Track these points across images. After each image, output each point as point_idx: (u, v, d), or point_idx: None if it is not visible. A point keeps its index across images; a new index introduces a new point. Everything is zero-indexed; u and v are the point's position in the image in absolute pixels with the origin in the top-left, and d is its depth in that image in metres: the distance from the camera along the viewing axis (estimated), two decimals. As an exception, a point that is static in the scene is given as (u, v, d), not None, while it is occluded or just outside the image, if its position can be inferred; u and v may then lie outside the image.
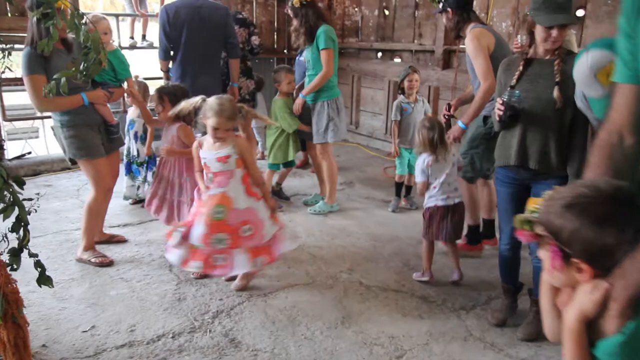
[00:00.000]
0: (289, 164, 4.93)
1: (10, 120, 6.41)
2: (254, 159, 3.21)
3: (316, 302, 3.21)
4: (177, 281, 3.41)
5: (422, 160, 3.42)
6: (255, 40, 5.53)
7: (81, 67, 2.41)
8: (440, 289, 3.39)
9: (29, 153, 6.06)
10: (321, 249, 3.98)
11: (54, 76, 2.45)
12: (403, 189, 4.86)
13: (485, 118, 3.60)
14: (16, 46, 3.78)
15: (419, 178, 3.45)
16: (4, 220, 2.13)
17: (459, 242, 3.79)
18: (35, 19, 3.12)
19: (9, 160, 5.82)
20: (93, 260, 3.60)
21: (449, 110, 3.92)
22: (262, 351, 2.70)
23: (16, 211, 2.15)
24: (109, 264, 3.62)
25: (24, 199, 2.24)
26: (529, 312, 2.94)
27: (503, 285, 3.09)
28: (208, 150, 3.04)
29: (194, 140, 3.26)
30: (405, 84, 4.63)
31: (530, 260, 2.90)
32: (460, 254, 3.65)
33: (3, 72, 3.79)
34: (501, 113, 2.68)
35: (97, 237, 3.91)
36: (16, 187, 2.17)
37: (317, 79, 4.44)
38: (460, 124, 3.63)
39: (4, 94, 6.26)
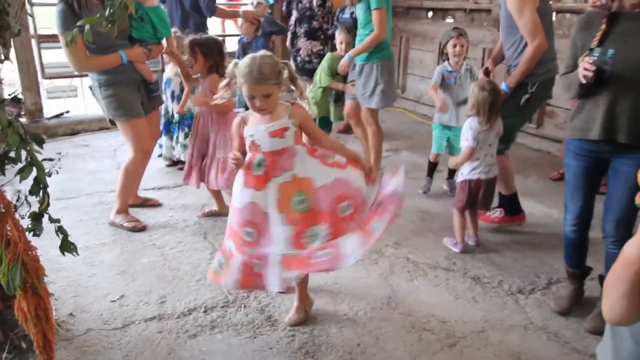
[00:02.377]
0: (322, 126, 4.58)
1: (50, 78, 6.30)
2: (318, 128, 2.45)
3: (360, 278, 2.96)
4: (212, 250, 3.21)
5: (474, 124, 3.09)
6: None
7: (107, 13, 2.16)
8: (494, 269, 3.09)
9: (67, 112, 5.95)
10: (365, 220, 3.71)
11: (77, 23, 2.21)
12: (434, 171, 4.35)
13: (519, 86, 3.24)
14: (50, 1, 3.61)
15: (469, 143, 3.10)
16: (20, 181, 1.93)
17: (497, 215, 3.60)
18: None
19: (47, 118, 5.73)
20: (125, 224, 3.45)
21: (488, 75, 3.49)
22: (300, 332, 2.48)
23: (34, 172, 1.95)
24: (142, 229, 3.45)
25: (44, 159, 2.04)
26: (600, 301, 2.60)
27: (567, 269, 2.76)
28: (256, 125, 2.24)
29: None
30: (449, 49, 3.93)
31: (605, 245, 2.54)
32: (502, 226, 3.56)
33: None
34: (590, 74, 2.27)
35: (131, 200, 3.75)
36: (36, 147, 1.96)
37: (367, 41, 4.05)
38: (504, 87, 3.25)
39: (43, 51, 6.15)
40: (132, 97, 3.38)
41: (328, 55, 4.52)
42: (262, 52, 2.23)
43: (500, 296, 2.83)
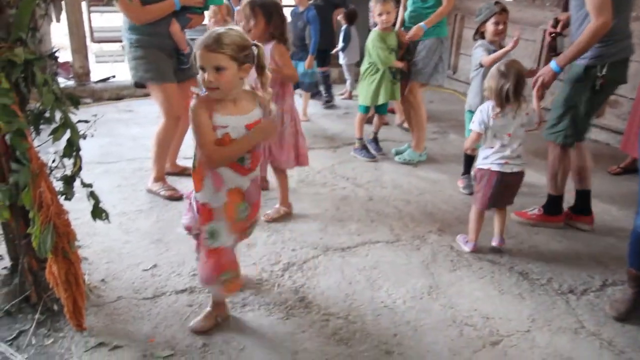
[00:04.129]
0: (379, 110, 4.39)
1: (98, 42, 6.33)
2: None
3: (400, 264, 2.81)
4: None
5: (486, 108, 2.81)
6: None
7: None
8: (544, 265, 2.89)
9: (114, 77, 5.96)
10: (408, 203, 3.55)
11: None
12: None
13: (588, 69, 2.91)
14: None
15: (475, 127, 2.83)
16: (53, 142, 1.87)
17: (535, 212, 3.33)
18: None
19: (94, 82, 5.75)
20: (162, 193, 3.40)
21: (555, 27, 3.15)
22: (335, 316, 2.37)
23: (68, 134, 1.88)
24: (179, 198, 3.39)
25: (80, 121, 1.97)
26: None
27: (630, 270, 2.52)
28: (232, 116, 1.95)
29: (289, 62, 2.87)
30: (489, 27, 3.49)
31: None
32: (538, 224, 3.30)
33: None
34: None
35: (169, 168, 3.71)
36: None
37: (439, 12, 3.93)
38: (553, 65, 2.93)
39: (92, 15, 6.17)
40: (164, 62, 3.31)
41: (374, 33, 4.12)
42: (234, 26, 1.98)
43: (549, 295, 2.64)
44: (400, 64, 4.12)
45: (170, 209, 3.28)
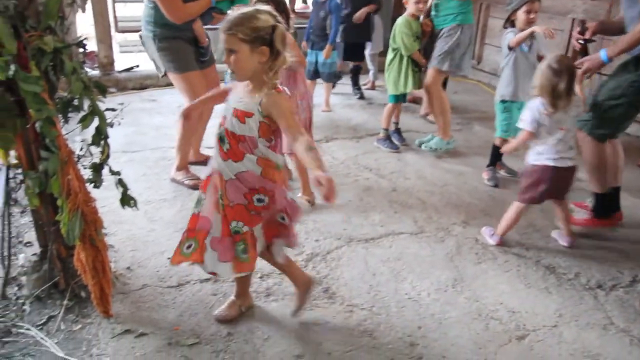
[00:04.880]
0: (401, 97, 4.35)
1: (122, 32, 6.36)
2: (294, 121, 1.84)
3: (424, 256, 2.79)
4: (271, 214, 3.12)
5: (537, 105, 2.73)
6: None
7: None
8: (571, 260, 2.84)
9: (137, 66, 5.99)
10: (432, 194, 3.52)
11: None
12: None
13: (638, 61, 2.82)
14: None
15: (526, 125, 2.75)
16: (82, 130, 1.88)
17: (584, 218, 3.19)
18: None
19: (118, 72, 5.79)
20: (187, 182, 3.42)
21: (583, 33, 3.06)
22: (359, 307, 2.36)
23: (96, 122, 1.89)
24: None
25: (107, 109, 1.98)
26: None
27: (661, 266, 2.47)
28: (232, 96, 1.96)
29: (301, 56, 2.87)
30: (521, 15, 3.42)
31: None
32: (590, 229, 3.13)
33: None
34: None
35: (193, 157, 3.72)
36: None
37: None
38: (602, 54, 2.82)
39: (117, 5, 6.20)
40: (186, 51, 3.31)
41: (402, 19, 4.09)
42: (261, 5, 1.88)
43: (576, 289, 2.59)
44: (421, 59, 4.09)
45: (194, 197, 3.26)
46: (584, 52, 3.07)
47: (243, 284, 2.26)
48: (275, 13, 1.83)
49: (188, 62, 3.29)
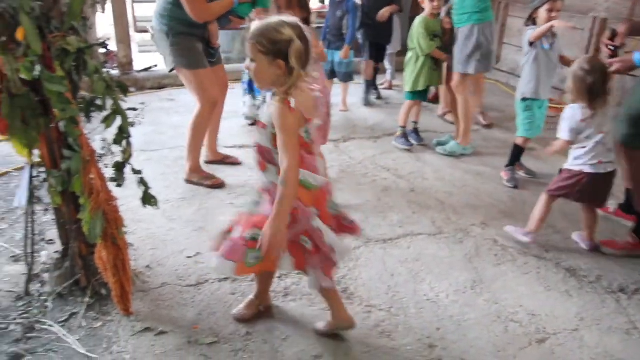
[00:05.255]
0: (419, 96, 4.34)
1: (141, 32, 6.42)
2: (289, 141, 1.74)
3: (443, 257, 2.77)
4: (289, 214, 3.12)
5: (573, 113, 2.68)
6: None
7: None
8: (592, 262, 2.80)
9: (155, 66, 6.01)
10: (451, 195, 3.49)
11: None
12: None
13: None
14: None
15: (564, 135, 2.71)
16: (105, 129, 1.90)
17: (625, 241, 3.00)
18: None
19: (137, 71, 5.84)
20: (206, 183, 3.43)
21: (613, 39, 2.96)
22: (377, 308, 2.35)
23: (119, 121, 1.91)
24: (221, 185, 3.42)
25: (128, 109, 1.99)
26: None
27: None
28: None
29: (321, 49, 2.84)
30: (543, 14, 3.39)
31: None
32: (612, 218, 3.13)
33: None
34: None
35: (210, 156, 3.75)
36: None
37: None
38: (636, 58, 2.68)
39: (136, 5, 6.26)
40: (197, 48, 3.31)
41: (420, 18, 4.12)
42: (288, 17, 1.79)
43: (598, 293, 2.56)
44: (442, 55, 4.08)
45: (213, 197, 3.31)
46: (613, 58, 3.00)
47: (264, 284, 2.26)
48: (301, 25, 1.77)
49: (200, 59, 3.29)
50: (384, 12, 5.08)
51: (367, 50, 5.34)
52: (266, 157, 1.87)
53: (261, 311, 2.27)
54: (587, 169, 2.71)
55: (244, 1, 3.31)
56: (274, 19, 1.77)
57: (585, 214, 2.90)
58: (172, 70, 3.37)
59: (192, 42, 3.26)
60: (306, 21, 2.99)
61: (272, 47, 1.73)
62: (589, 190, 2.74)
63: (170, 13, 3.17)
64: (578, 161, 2.75)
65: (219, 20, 3.36)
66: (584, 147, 2.72)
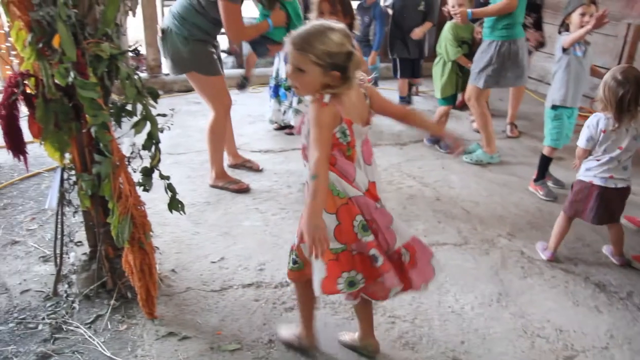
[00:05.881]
0: (449, 102, 4.32)
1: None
2: (319, 137, 1.66)
3: (468, 269, 2.74)
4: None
5: (597, 122, 2.61)
6: None
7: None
8: (623, 277, 2.73)
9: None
10: (477, 205, 3.45)
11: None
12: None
13: None
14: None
15: (582, 143, 2.65)
16: (135, 135, 1.92)
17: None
18: None
19: (165, 74, 5.91)
20: (231, 187, 3.44)
21: None
22: (402, 319, 2.33)
23: (148, 127, 1.93)
24: (246, 190, 3.44)
25: (158, 115, 2.01)
26: None
27: None
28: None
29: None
30: (575, 19, 3.30)
31: None
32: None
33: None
34: None
35: (232, 160, 3.77)
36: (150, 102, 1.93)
37: (494, 7, 3.74)
38: None
39: (166, 9, 6.33)
40: (214, 56, 3.31)
41: (449, 24, 4.14)
42: (335, 23, 1.69)
43: (629, 310, 2.49)
44: (467, 63, 4.06)
45: (238, 202, 3.32)
46: None
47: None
48: (348, 32, 1.70)
49: (217, 66, 3.30)
50: (418, 32, 4.88)
51: (400, 68, 5.17)
52: (305, 155, 1.82)
53: (298, 344, 2.12)
54: (597, 182, 2.66)
55: (279, 25, 3.31)
56: (323, 26, 1.66)
57: (610, 229, 2.83)
58: (177, 74, 3.35)
59: (209, 48, 3.26)
60: (350, 27, 2.95)
61: (330, 60, 1.64)
62: (600, 208, 2.66)
63: (193, 19, 3.14)
64: (589, 172, 2.70)
65: (257, 51, 3.38)
66: (598, 160, 2.66)
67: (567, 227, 2.84)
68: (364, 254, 1.78)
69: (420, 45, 5.05)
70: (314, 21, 1.71)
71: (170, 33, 3.18)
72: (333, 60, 1.64)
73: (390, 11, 4.99)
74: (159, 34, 3.29)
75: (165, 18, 3.33)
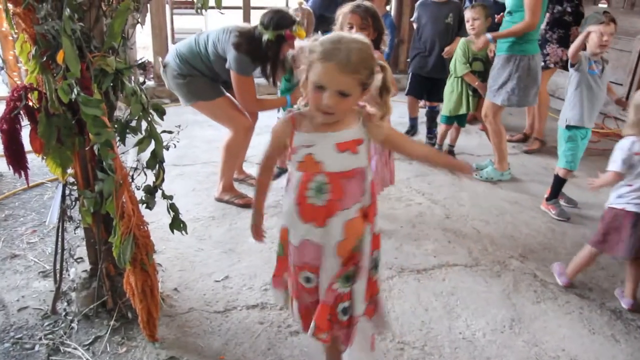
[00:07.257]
0: (458, 121, 4.28)
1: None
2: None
3: (479, 292, 2.65)
4: (320, 238, 3.05)
5: (629, 145, 2.48)
6: None
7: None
8: (640, 304, 2.64)
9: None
10: (487, 224, 3.36)
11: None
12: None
13: None
14: None
15: (616, 166, 2.51)
16: (138, 153, 1.86)
17: None
18: (266, 37, 3.00)
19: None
20: (237, 202, 3.39)
21: None
22: (411, 346, 2.24)
23: (152, 145, 1.87)
24: (252, 205, 3.36)
25: (164, 131, 1.95)
26: None
27: None
28: (313, 133, 1.58)
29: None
30: (593, 37, 3.20)
31: None
32: None
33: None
34: None
35: (236, 174, 3.70)
36: (156, 118, 1.87)
37: (515, 28, 3.65)
38: None
39: (175, 17, 6.31)
40: (207, 83, 3.24)
41: (462, 41, 4.09)
42: (358, 35, 1.54)
43: (647, 339, 2.40)
44: (473, 80, 4.00)
45: (243, 217, 3.25)
46: None
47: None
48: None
49: (215, 89, 3.25)
50: (450, 50, 4.37)
51: (409, 83, 4.72)
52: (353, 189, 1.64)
53: None
54: (631, 208, 2.50)
55: (295, 103, 3.26)
56: (355, 41, 1.48)
57: (632, 263, 2.63)
58: (186, 105, 3.33)
59: (201, 78, 3.20)
60: (378, 42, 2.83)
61: (371, 79, 1.50)
62: (634, 237, 2.48)
63: (196, 65, 3.14)
64: (620, 200, 2.54)
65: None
66: (630, 185, 2.52)
67: (591, 262, 2.71)
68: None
69: (443, 63, 4.49)
70: (338, 34, 1.52)
71: (168, 68, 3.21)
72: (372, 76, 1.50)
73: (414, 25, 4.83)
74: (161, 68, 3.31)
75: (169, 53, 3.32)
